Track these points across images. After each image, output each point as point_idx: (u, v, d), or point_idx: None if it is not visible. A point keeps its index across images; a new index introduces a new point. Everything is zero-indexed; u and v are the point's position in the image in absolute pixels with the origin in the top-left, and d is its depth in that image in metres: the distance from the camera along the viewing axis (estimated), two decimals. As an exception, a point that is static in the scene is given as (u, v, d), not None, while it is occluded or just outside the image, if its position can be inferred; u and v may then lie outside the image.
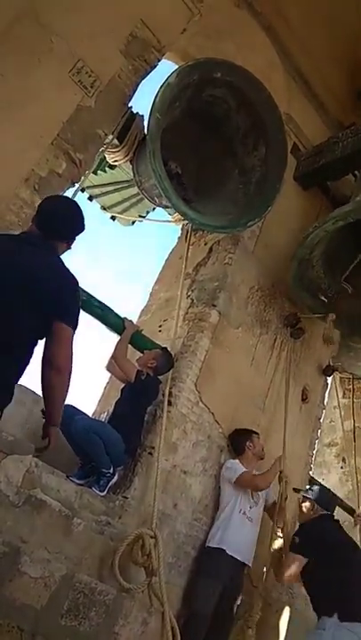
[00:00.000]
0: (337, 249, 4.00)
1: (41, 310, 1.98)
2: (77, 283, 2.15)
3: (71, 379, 2.05)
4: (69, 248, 2.24)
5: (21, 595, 2.51)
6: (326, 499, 3.34)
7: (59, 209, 2.25)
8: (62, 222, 2.18)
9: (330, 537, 3.07)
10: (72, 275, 2.13)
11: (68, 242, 2.21)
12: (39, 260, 2.05)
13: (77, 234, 2.24)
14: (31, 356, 2.02)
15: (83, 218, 2.25)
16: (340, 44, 5.06)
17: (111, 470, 3.09)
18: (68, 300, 2.06)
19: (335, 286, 4.20)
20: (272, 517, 3.49)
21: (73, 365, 2.03)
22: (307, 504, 3.27)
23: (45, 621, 2.57)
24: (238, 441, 3.61)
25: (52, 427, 2.13)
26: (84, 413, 3.29)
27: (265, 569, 3.38)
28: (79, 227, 2.24)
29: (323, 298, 4.22)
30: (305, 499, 3.31)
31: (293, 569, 2.95)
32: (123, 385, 3.45)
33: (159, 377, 3.46)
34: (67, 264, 2.18)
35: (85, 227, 2.26)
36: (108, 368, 3.61)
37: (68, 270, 2.13)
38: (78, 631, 2.67)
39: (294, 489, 3.55)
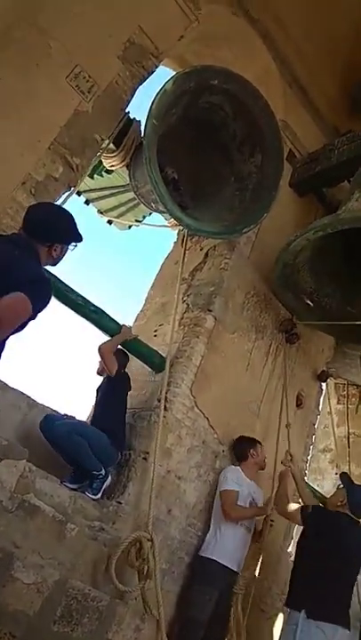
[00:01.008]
0: (324, 255, 4.04)
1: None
2: (49, 281, 2.06)
3: (5, 332, 1.89)
4: (54, 257, 2.16)
5: (14, 601, 2.49)
6: (357, 502, 3.16)
7: (41, 211, 2.24)
8: (41, 223, 2.14)
9: (335, 536, 2.97)
10: (45, 273, 2.09)
11: (49, 246, 2.13)
12: (13, 255, 2.01)
13: (59, 240, 2.16)
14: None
15: (69, 227, 2.19)
16: (336, 51, 5.11)
17: (102, 472, 3.08)
18: (38, 291, 1.94)
19: (322, 291, 4.24)
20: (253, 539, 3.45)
21: (12, 320, 1.88)
22: (340, 495, 3.17)
23: (38, 628, 2.55)
24: (242, 448, 3.60)
25: None
26: (67, 417, 3.27)
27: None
28: (60, 231, 2.18)
29: (308, 301, 4.26)
30: (341, 488, 3.25)
31: (291, 509, 3.07)
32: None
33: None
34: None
35: (77, 237, 2.21)
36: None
37: (41, 269, 2.08)
38: (71, 637, 2.65)
39: (343, 473, 3.49)
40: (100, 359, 3.46)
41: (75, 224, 2.24)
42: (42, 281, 2.02)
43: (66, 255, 2.25)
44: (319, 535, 2.95)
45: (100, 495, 3.04)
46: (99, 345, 3.37)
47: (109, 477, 3.14)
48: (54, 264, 2.23)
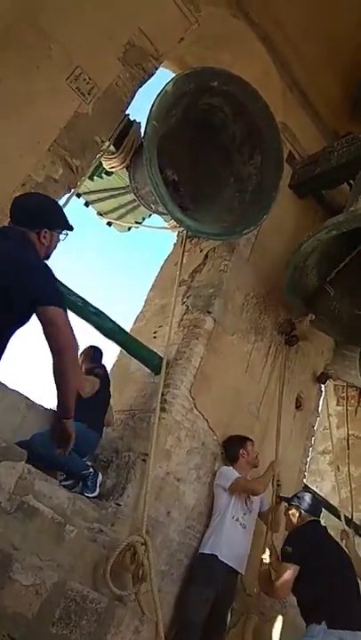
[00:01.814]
0: (332, 257, 4.02)
1: (9, 298, 1.89)
2: (46, 265, 2.04)
3: (73, 359, 1.93)
4: (46, 244, 2.12)
5: (12, 603, 2.48)
6: (313, 504, 3.30)
7: (25, 199, 2.26)
8: (25, 210, 2.14)
9: (321, 542, 3.06)
10: (40, 258, 2.06)
11: (38, 232, 2.09)
12: (8, 245, 2.00)
13: (45, 224, 2.12)
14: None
15: (53, 211, 2.20)
16: (336, 53, 5.12)
17: (90, 470, 3.08)
18: (45, 282, 1.96)
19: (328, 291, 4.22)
20: (267, 523, 3.48)
21: (75, 343, 1.91)
22: (294, 512, 3.24)
23: (36, 630, 2.54)
24: (232, 449, 3.60)
25: (66, 420, 1.99)
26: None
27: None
28: (46, 215, 2.15)
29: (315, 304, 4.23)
30: (291, 507, 3.28)
31: (288, 580, 2.87)
32: None
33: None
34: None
35: (67, 225, 2.19)
36: None
37: (36, 255, 2.05)
38: (70, 639, 2.64)
39: (280, 496, 3.53)
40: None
41: (61, 210, 2.24)
42: (41, 274, 1.98)
43: (57, 245, 2.20)
44: (308, 555, 2.93)
45: (98, 491, 3.03)
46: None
47: (99, 474, 3.13)
48: (47, 255, 2.17)
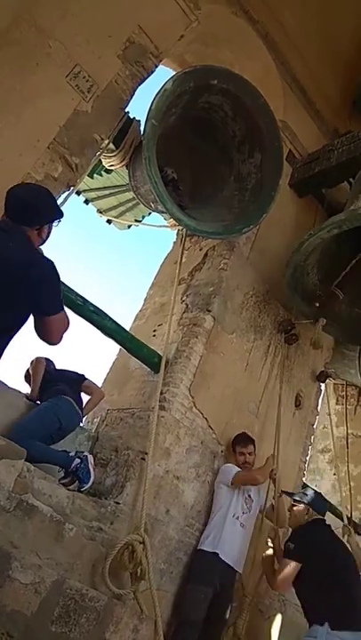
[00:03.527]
0: (332, 256, 4.01)
1: (20, 301, 1.99)
2: (52, 264, 2.12)
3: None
4: (43, 237, 2.18)
5: (11, 601, 2.48)
6: (320, 502, 3.32)
7: (23, 195, 2.20)
8: (27, 207, 2.13)
9: (325, 542, 3.05)
10: (45, 258, 2.12)
11: (39, 229, 2.15)
12: (11, 247, 2.02)
13: (46, 220, 2.18)
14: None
15: (51, 204, 2.23)
16: (336, 51, 5.12)
17: (77, 460, 2.96)
18: (50, 287, 2.08)
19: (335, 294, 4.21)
20: (271, 519, 3.49)
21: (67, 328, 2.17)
22: (300, 508, 3.25)
23: (35, 628, 2.54)
24: (233, 445, 3.63)
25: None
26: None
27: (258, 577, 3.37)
28: (47, 212, 2.19)
29: (318, 305, 4.22)
30: (298, 502, 3.29)
31: (288, 575, 2.91)
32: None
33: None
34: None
35: (60, 214, 2.22)
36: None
37: (41, 255, 2.12)
38: (69, 638, 2.64)
39: (284, 492, 3.54)
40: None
41: (54, 200, 2.29)
42: (54, 282, 2.11)
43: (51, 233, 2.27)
44: (312, 554, 2.94)
45: (92, 479, 2.97)
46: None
47: (87, 456, 3.03)
48: (42, 244, 2.24)
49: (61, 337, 2.15)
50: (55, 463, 2.97)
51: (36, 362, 3.49)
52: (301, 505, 3.26)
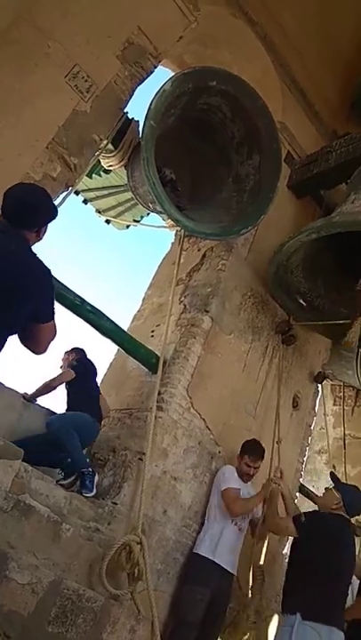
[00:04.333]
0: (318, 256, 4.06)
1: (16, 303, 1.97)
2: (49, 272, 2.12)
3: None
4: (40, 238, 2.17)
5: (8, 601, 2.48)
6: (354, 503, 3.14)
7: (23, 197, 2.16)
8: (28, 210, 2.11)
9: (333, 539, 2.94)
10: (43, 265, 2.10)
11: (37, 231, 2.13)
12: (14, 251, 2.01)
13: (45, 222, 2.17)
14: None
15: (50, 205, 2.22)
16: (335, 53, 5.13)
17: (90, 468, 3.14)
18: (46, 295, 2.08)
19: (315, 291, 4.26)
20: (254, 534, 3.46)
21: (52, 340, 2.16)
22: (336, 495, 3.13)
23: (32, 628, 2.54)
24: (241, 448, 3.56)
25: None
26: (54, 413, 3.46)
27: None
28: (46, 214, 2.17)
29: (302, 301, 4.28)
30: (337, 489, 3.18)
31: (288, 524, 3.01)
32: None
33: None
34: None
35: (56, 214, 2.21)
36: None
37: (39, 261, 2.10)
38: (66, 638, 2.64)
39: (332, 473, 3.55)
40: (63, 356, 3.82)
41: (51, 201, 2.28)
42: (50, 289, 2.11)
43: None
44: (313, 539, 2.92)
45: (95, 491, 3.07)
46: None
47: (96, 474, 3.18)
48: (37, 242, 2.23)
49: (47, 346, 2.13)
50: (78, 459, 3.17)
51: (67, 373, 3.63)
52: (339, 495, 3.12)
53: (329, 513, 3.08)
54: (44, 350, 2.13)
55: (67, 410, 3.53)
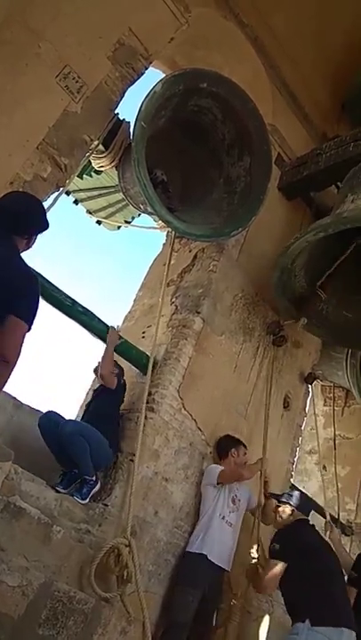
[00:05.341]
0: (320, 259, 4.05)
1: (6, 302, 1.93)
2: (37, 280, 2.11)
3: (13, 373, 1.95)
4: (29, 246, 2.19)
5: (-2, 604, 2.47)
6: (303, 502, 3.40)
7: (15, 204, 2.19)
8: (18, 217, 2.13)
9: (309, 542, 3.09)
10: (32, 271, 2.11)
11: (28, 238, 2.16)
12: (9, 257, 2.02)
13: (36, 230, 2.19)
14: None
15: (42, 215, 2.23)
16: (325, 56, 5.16)
17: (94, 478, 3.08)
18: (29, 298, 2.02)
19: (317, 294, 4.24)
20: (256, 518, 3.54)
21: (19, 361, 1.94)
22: (287, 509, 3.30)
23: (23, 631, 2.53)
24: (225, 446, 3.63)
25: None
26: (65, 418, 3.26)
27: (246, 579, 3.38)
28: (37, 223, 2.19)
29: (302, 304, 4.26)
30: (283, 503, 3.34)
31: (274, 576, 2.94)
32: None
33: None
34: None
35: (48, 225, 2.22)
36: (95, 371, 3.64)
37: (27, 266, 2.10)
38: (56, 641, 2.63)
39: (270, 493, 3.59)
40: (99, 360, 3.47)
41: (44, 211, 2.28)
42: (35, 291, 2.03)
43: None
44: (294, 553, 2.97)
45: (87, 500, 3.02)
46: (100, 372, 3.38)
47: (98, 483, 3.13)
48: (26, 250, 2.23)
49: (18, 354, 1.92)
50: (85, 464, 3.05)
51: (113, 378, 3.42)
52: (288, 506, 3.31)
53: (292, 523, 3.22)
54: (15, 358, 1.91)
55: (91, 421, 3.32)
